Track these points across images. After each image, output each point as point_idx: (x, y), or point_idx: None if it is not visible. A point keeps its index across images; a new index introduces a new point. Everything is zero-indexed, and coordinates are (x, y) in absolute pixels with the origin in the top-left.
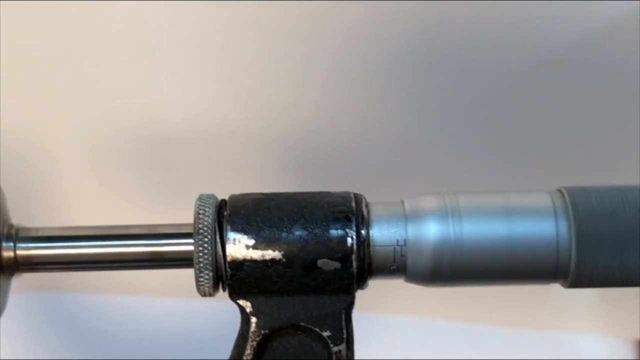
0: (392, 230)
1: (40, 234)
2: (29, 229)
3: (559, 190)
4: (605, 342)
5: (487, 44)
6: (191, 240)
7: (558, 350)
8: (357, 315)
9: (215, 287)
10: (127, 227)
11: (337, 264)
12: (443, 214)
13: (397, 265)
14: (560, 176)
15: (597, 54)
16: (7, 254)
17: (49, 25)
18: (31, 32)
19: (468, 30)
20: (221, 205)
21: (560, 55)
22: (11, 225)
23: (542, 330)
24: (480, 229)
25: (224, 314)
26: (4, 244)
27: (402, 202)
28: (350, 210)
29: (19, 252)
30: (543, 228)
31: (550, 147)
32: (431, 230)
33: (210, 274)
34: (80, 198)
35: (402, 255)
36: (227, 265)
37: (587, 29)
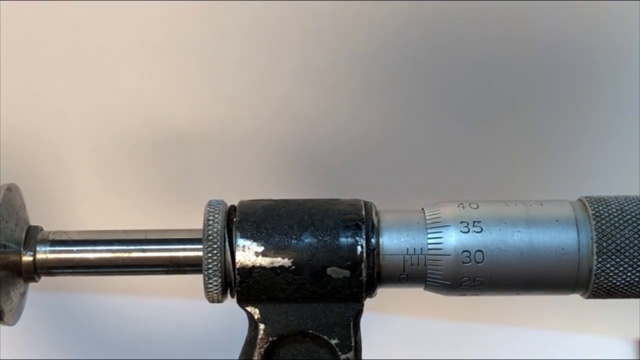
0: (402, 239)
1: (59, 237)
2: (48, 233)
3: (580, 200)
4: (605, 342)
5: (491, 45)
6: (200, 246)
7: (558, 350)
8: None
9: (224, 294)
10: (145, 231)
11: (347, 272)
12: (463, 223)
13: (407, 274)
14: (568, 178)
15: (600, 53)
16: (26, 258)
17: (49, 25)
18: (31, 32)
19: (471, 31)
20: (230, 211)
21: (563, 55)
22: (30, 228)
23: (542, 330)
24: (501, 239)
25: (224, 314)
26: (23, 249)
27: (422, 210)
28: (360, 219)
29: (38, 256)
30: (565, 239)
31: (560, 150)
32: (451, 240)
33: (219, 280)
34: (83, 198)
35: (411, 265)
36: (236, 272)
37: (588, 29)
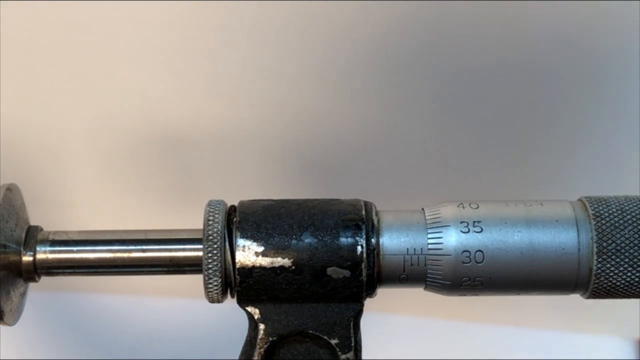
0: (402, 239)
1: (59, 237)
2: (48, 233)
3: (581, 200)
4: (605, 342)
5: (491, 45)
6: (200, 246)
7: (558, 350)
8: None
9: (224, 294)
10: (145, 231)
11: (347, 272)
12: (463, 223)
13: (407, 274)
14: (568, 178)
15: (600, 53)
16: (26, 258)
17: (49, 25)
18: (31, 32)
19: (472, 31)
20: (230, 211)
21: (563, 55)
22: (30, 228)
23: (542, 330)
24: (501, 239)
25: (224, 314)
26: (23, 249)
27: (422, 210)
28: (360, 219)
29: (38, 256)
30: (565, 239)
31: (560, 150)
32: (451, 240)
33: (219, 280)
34: (83, 198)
35: (411, 265)
36: (236, 272)
37: (588, 29)
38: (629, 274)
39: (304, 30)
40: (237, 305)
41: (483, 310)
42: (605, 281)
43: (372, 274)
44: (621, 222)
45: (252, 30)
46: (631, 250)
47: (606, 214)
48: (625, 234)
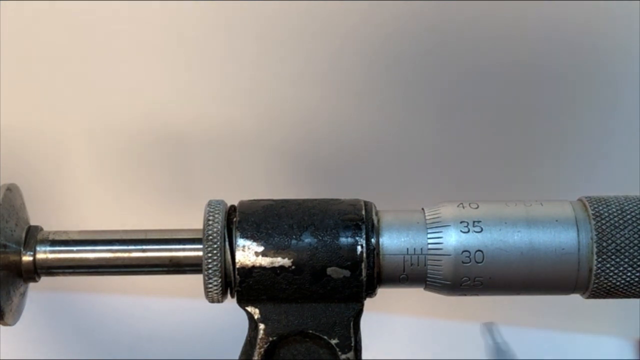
0: (402, 239)
1: (59, 237)
2: (48, 233)
3: (580, 200)
4: (605, 342)
5: (491, 45)
6: (200, 246)
7: (558, 350)
8: None
9: (224, 294)
10: (145, 231)
11: (347, 272)
12: (463, 223)
13: (407, 274)
14: (568, 178)
15: (600, 53)
16: (26, 258)
17: (49, 25)
18: (32, 32)
19: (471, 32)
20: (230, 211)
21: (563, 56)
22: (30, 228)
23: (542, 330)
24: (501, 239)
25: (224, 314)
26: (23, 249)
27: (422, 210)
28: (360, 218)
29: (38, 256)
30: (565, 239)
31: (560, 150)
32: (451, 240)
33: (219, 280)
34: (83, 198)
35: (411, 265)
36: (236, 272)
37: (588, 29)
38: (629, 274)
39: (303, 31)
40: (237, 305)
41: (483, 310)
42: (605, 281)
43: (372, 274)
44: (621, 222)
45: (252, 31)
46: (631, 250)
47: (606, 214)
48: (625, 234)
